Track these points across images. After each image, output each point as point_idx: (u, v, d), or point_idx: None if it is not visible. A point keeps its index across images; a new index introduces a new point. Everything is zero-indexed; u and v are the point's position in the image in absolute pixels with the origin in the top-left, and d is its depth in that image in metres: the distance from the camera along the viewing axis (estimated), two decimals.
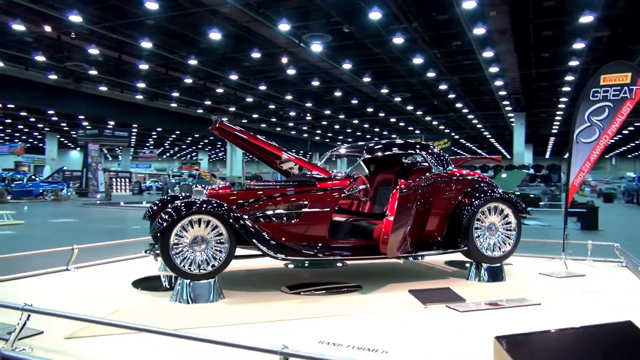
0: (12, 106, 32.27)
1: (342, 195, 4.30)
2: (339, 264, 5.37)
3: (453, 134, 45.77)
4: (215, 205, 3.81)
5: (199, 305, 3.71)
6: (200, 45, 20.05)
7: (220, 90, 28.63)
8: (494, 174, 35.09)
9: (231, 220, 3.80)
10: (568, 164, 5.13)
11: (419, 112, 36.46)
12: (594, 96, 4.90)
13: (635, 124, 40.52)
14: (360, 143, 5.22)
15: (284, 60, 21.71)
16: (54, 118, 37.19)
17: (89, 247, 5.30)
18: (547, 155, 64.87)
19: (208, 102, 32.88)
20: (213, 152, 72.83)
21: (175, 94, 29.93)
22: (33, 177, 31.04)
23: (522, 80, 25.71)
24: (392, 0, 15.11)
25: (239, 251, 4.04)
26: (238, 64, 23.14)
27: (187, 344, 2.75)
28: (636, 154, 61.77)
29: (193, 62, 21.73)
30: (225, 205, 3.87)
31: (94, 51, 20.03)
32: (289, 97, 30.43)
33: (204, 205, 3.77)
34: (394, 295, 4.03)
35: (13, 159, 45.13)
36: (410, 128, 45.67)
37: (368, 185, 4.60)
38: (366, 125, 43.92)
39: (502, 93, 28.16)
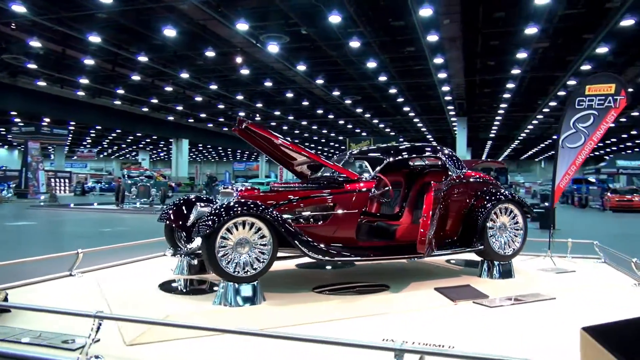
0: None
1: (369, 196, 4.39)
2: (353, 264, 5.37)
3: (400, 136, 46.95)
4: (262, 207, 3.78)
5: (247, 308, 3.66)
6: (152, 42, 19.44)
7: (169, 89, 27.86)
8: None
9: (276, 223, 3.77)
10: (554, 167, 5.53)
11: (367, 115, 37.18)
12: (579, 105, 5.32)
13: None
14: (382, 145, 5.34)
15: (238, 60, 21.51)
16: None
17: (94, 250, 5.10)
18: (483, 158, 68.05)
19: (155, 100, 31.87)
20: (155, 152, 70.57)
21: (121, 91, 28.78)
22: None
23: (467, 86, 26.90)
24: (351, 5, 15.38)
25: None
26: (190, 62, 22.64)
27: (265, 345, 2.71)
28: None
29: (143, 58, 21.02)
30: (269, 207, 3.85)
31: (35, 44, 18.90)
32: (239, 97, 30.12)
33: (252, 208, 3.73)
34: (421, 294, 4.13)
35: None
36: (357, 130, 46.44)
37: (390, 187, 4.69)
38: (314, 127, 44.21)
39: (448, 98, 29.29)
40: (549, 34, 17.61)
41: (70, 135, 46.91)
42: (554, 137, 39.83)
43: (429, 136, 49.48)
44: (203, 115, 37.67)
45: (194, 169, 65.34)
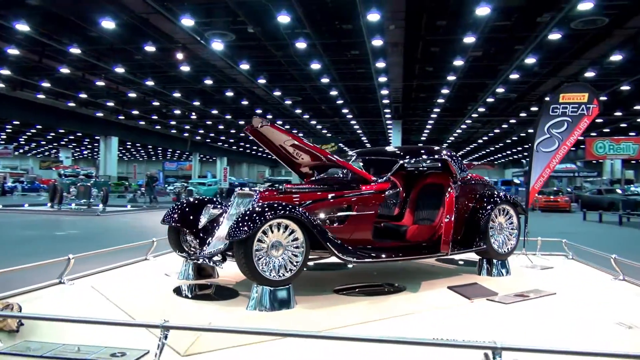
0: None
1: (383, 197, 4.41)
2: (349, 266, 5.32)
3: (338, 137, 47.60)
4: (298, 209, 3.70)
5: (284, 312, 3.55)
6: (87, 33, 18.37)
7: (100, 83, 26.42)
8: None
9: (310, 224, 3.70)
10: (529, 170, 5.88)
11: (306, 116, 37.39)
12: (554, 111, 5.71)
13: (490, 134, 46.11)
14: (389, 147, 5.36)
15: (179, 56, 20.82)
16: None
17: (85, 255, 4.70)
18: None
19: (83, 95, 30.07)
20: (77, 150, 66.62)
21: (46, 85, 26.90)
22: None
23: (404, 90, 27.83)
24: (300, 5, 15.42)
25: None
26: (127, 57, 21.62)
27: (327, 348, 2.66)
28: (502, 161, 70.10)
29: (75, 50, 19.76)
30: (303, 209, 3.77)
31: None
32: (176, 95, 29.18)
33: (288, 210, 3.63)
34: (437, 293, 4.20)
35: None
36: (295, 131, 46.52)
37: (400, 188, 4.71)
38: None
39: (386, 101, 30.13)
40: (484, 43, 18.64)
41: None
42: (479, 140, 41.97)
43: (363, 138, 50.61)
44: (135, 112, 36.10)
45: (121, 168, 62.39)
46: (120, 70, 22.87)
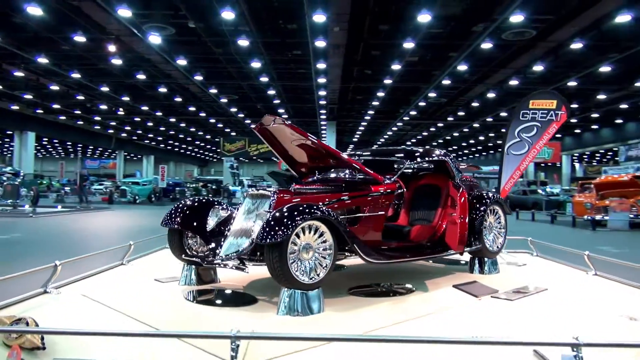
0: None
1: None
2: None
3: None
4: (328, 211, 3.60)
5: (318, 316, 3.43)
6: (9, 20, 16.89)
7: (19, 74, 24.38)
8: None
9: (340, 226, 3.61)
10: (499, 172, 6.18)
11: (241, 115, 36.85)
12: (524, 117, 6.03)
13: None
14: (390, 147, 5.31)
15: (112, 48, 19.73)
16: None
17: (72, 261, 4.29)
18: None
19: None
20: None
21: None
22: None
23: (341, 92, 28.26)
24: (245, 2, 15.19)
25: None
26: (53, 46, 20.11)
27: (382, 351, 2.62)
28: None
29: None
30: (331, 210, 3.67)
31: None
32: (104, 89, 27.61)
33: (320, 211, 3.52)
34: (445, 291, 4.24)
35: None
36: (227, 130, 45.72)
37: (405, 189, 4.70)
38: (183, 125, 42.39)
39: (322, 102, 30.41)
40: (421, 49, 19.35)
41: None
42: (408, 142, 43.56)
43: None
44: (56, 106, 33.71)
45: (36, 166, 57.95)
46: (43, 60, 21.27)
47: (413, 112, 33.93)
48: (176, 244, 4.31)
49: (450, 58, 20.41)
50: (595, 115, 33.69)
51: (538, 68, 21.26)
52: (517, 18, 15.07)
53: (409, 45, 18.05)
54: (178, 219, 4.23)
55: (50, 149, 66.88)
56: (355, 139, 49.47)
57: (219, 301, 4.00)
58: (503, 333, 3.09)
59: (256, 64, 21.69)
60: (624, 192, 17.60)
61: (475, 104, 30.99)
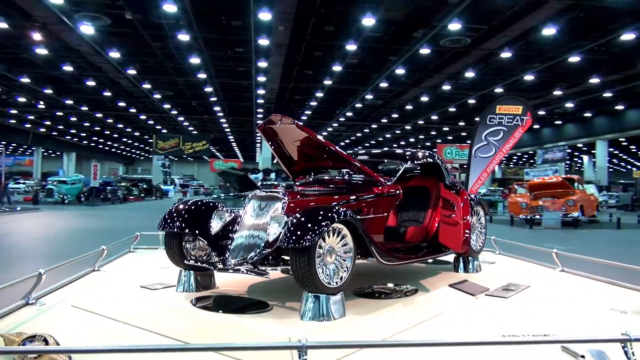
0: None
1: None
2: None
3: (210, 134, 45.99)
4: (351, 213, 3.51)
5: (344, 320, 3.32)
6: None
7: None
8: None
9: (361, 229, 3.54)
10: (467, 173, 6.41)
11: (174, 112, 35.66)
12: (491, 121, 6.30)
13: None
14: (385, 149, 5.32)
15: (36, 36, 18.34)
16: None
17: (56, 267, 3.87)
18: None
19: None
20: None
21: None
22: None
23: (279, 91, 28.18)
24: None
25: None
26: None
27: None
28: None
29: None
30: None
31: None
32: (24, 80, 25.62)
33: (345, 214, 3.42)
34: (444, 291, 4.26)
35: None
36: (159, 127, 44.07)
37: (401, 191, 4.68)
38: (110, 120, 40.28)
39: (260, 101, 30.17)
40: (362, 51, 19.74)
41: None
42: (342, 143, 44.28)
43: (231, 137, 49.91)
44: None
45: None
46: None
47: (349, 114, 34.54)
48: (176, 250, 4.02)
49: (389, 61, 20.99)
50: None
51: (469, 74, 22.41)
52: (454, 26, 15.81)
53: (351, 47, 18.36)
54: (178, 222, 3.95)
55: None
56: None
57: (233, 308, 3.73)
58: (524, 330, 3.12)
59: (195, 60, 21.10)
60: (554, 192, 18.99)
61: (408, 107, 32.12)
